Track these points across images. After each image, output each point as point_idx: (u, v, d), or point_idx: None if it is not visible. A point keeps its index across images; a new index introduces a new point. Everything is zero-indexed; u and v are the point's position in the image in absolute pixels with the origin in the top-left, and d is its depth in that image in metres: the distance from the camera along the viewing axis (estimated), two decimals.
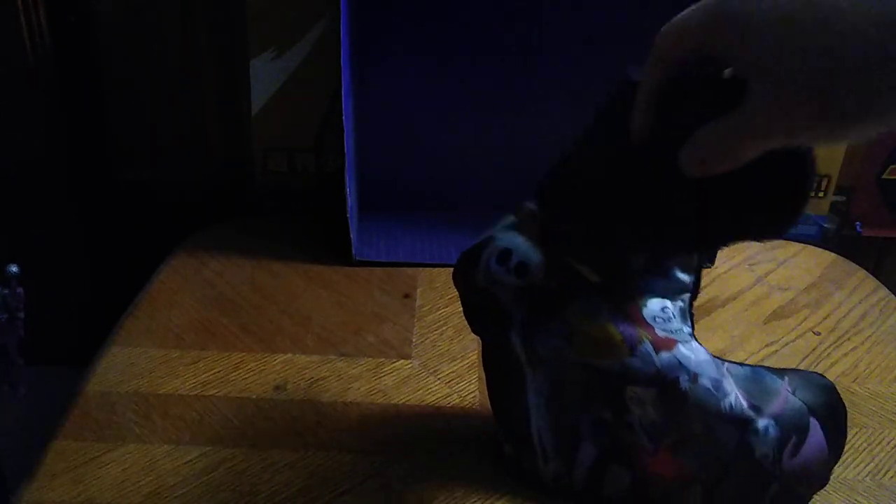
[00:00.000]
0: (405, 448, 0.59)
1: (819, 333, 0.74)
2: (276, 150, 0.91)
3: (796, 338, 0.73)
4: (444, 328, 0.73)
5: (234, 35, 0.86)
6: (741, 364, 0.52)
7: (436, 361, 0.68)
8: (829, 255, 0.87)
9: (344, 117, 0.73)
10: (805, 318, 0.76)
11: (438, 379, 0.66)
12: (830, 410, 0.52)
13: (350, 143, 0.76)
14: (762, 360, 0.70)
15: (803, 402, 0.50)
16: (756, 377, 0.51)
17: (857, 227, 0.94)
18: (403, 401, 0.64)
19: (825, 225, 0.94)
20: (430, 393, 0.65)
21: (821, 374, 0.54)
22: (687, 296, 0.52)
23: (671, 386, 0.48)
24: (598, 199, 0.47)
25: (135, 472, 0.56)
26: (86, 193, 0.92)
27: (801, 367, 0.69)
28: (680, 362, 0.49)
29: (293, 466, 0.57)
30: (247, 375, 0.66)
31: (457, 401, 0.64)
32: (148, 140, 0.92)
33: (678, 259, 0.51)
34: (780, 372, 0.52)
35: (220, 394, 0.64)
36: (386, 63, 0.86)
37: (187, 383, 0.65)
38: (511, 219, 0.53)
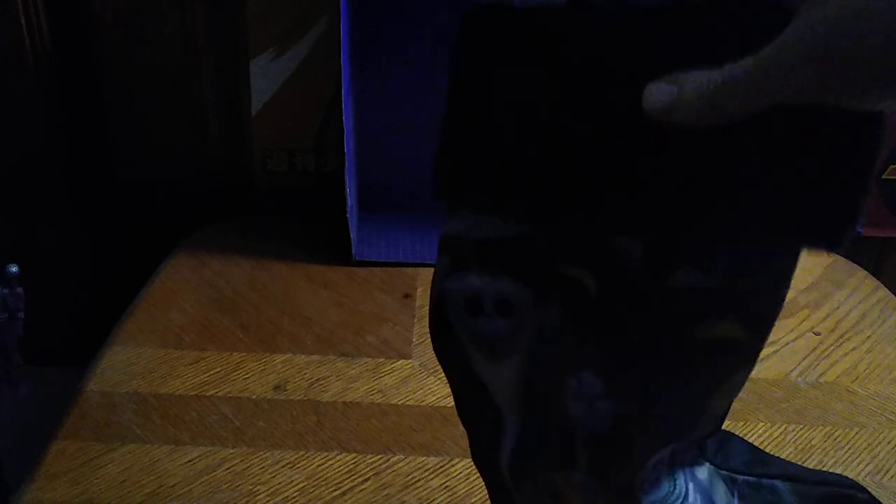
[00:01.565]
0: (405, 448, 0.59)
1: (819, 333, 0.74)
2: (276, 150, 0.91)
3: (796, 338, 0.73)
4: None
5: (234, 35, 0.86)
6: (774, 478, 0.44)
7: (436, 361, 0.68)
8: (829, 255, 0.87)
9: (344, 117, 0.73)
10: (805, 318, 0.76)
11: (438, 379, 0.66)
12: None
13: (350, 143, 0.76)
14: (762, 360, 0.70)
15: None
16: None
17: (857, 227, 0.94)
18: (403, 401, 0.64)
19: None
20: (430, 393, 0.65)
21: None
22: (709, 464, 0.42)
23: None
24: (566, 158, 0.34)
25: (135, 472, 0.56)
26: (86, 193, 0.92)
27: (801, 367, 0.69)
28: None
29: (293, 466, 0.57)
30: (247, 375, 0.66)
31: None
32: (148, 140, 0.92)
33: (700, 430, 0.40)
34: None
35: (220, 394, 0.64)
36: (386, 63, 0.86)
37: (187, 383, 0.65)
38: (443, 263, 0.39)
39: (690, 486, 0.42)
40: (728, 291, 0.35)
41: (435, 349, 0.41)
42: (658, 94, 0.30)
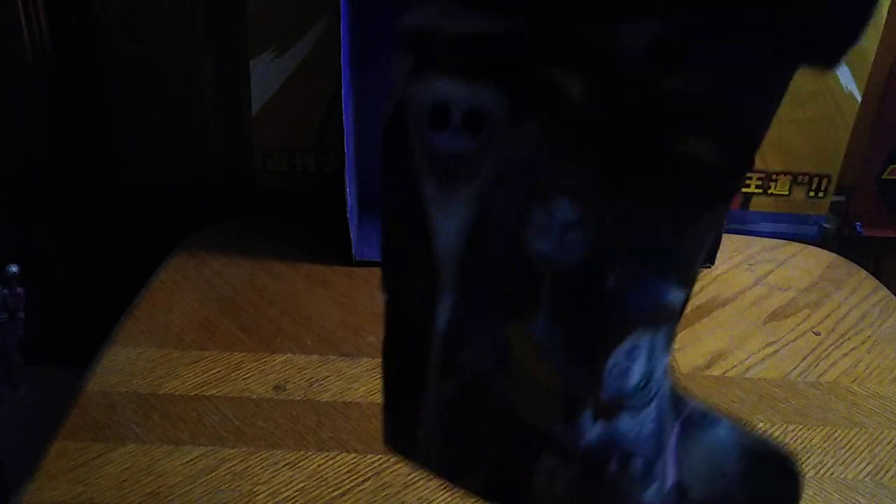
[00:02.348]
0: None
1: (819, 333, 0.74)
2: (276, 150, 0.91)
3: (796, 338, 0.73)
4: None
5: (234, 35, 0.86)
6: (720, 423, 0.41)
7: None
8: (829, 255, 0.87)
9: (344, 117, 0.73)
10: (805, 318, 0.76)
11: None
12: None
13: (350, 143, 0.76)
14: (762, 360, 0.70)
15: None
16: (715, 448, 0.40)
17: (857, 228, 0.94)
18: None
19: (825, 225, 0.94)
20: None
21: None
22: (673, 323, 0.39)
23: (596, 468, 0.37)
24: None
25: (135, 472, 0.56)
26: (86, 193, 0.92)
27: (801, 367, 0.69)
28: (615, 440, 0.37)
29: (293, 466, 0.57)
30: (247, 375, 0.66)
31: None
32: (148, 140, 0.92)
33: (676, 267, 0.36)
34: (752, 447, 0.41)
35: (220, 394, 0.64)
36: (386, 63, 0.86)
37: (187, 383, 0.65)
38: (404, 64, 0.34)
39: (654, 403, 0.39)
40: (712, 100, 0.31)
41: (382, 178, 0.36)
42: None
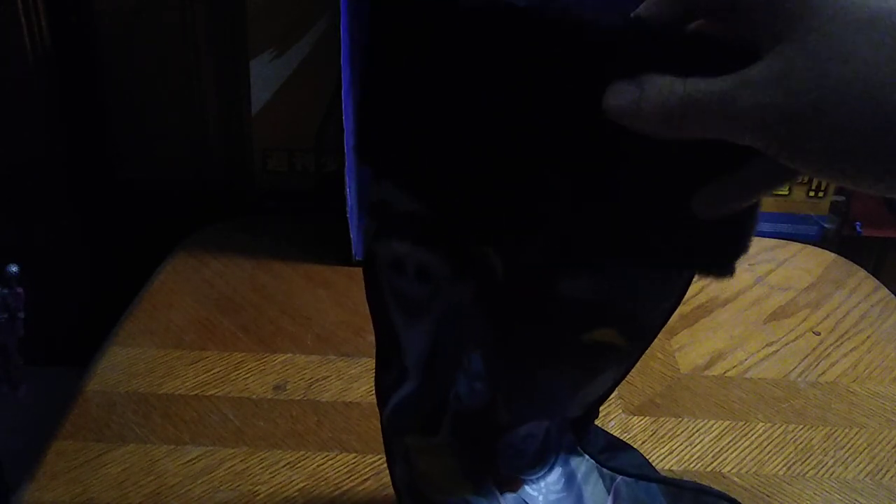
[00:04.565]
0: None
1: (819, 333, 0.74)
2: (276, 150, 0.91)
3: (796, 338, 0.73)
4: None
5: (234, 35, 0.86)
6: (640, 479, 0.46)
7: None
8: (829, 255, 0.87)
9: (344, 117, 0.73)
10: (805, 318, 0.76)
11: None
12: None
13: (350, 143, 0.76)
14: (762, 360, 0.70)
15: None
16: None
17: (857, 227, 0.94)
18: None
19: (825, 225, 0.94)
20: None
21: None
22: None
23: None
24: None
25: (135, 472, 0.56)
26: (86, 193, 0.92)
27: (801, 366, 0.69)
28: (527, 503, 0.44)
29: (293, 466, 0.57)
30: (247, 375, 0.66)
31: None
32: (148, 140, 0.92)
33: (571, 411, 0.42)
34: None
35: (220, 394, 0.64)
36: None
37: (187, 383, 0.65)
38: (370, 226, 0.40)
39: (558, 470, 0.45)
40: (615, 305, 0.37)
41: (367, 298, 0.42)
42: (620, 95, 0.30)
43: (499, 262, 0.37)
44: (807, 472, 0.58)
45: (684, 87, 0.28)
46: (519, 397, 0.41)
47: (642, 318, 0.38)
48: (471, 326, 0.39)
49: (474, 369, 0.40)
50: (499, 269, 0.37)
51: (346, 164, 0.76)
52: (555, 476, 0.44)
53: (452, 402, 0.41)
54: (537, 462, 0.45)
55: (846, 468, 0.58)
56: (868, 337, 0.74)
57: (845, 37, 0.26)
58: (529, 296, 0.37)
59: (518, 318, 0.38)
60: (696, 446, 0.60)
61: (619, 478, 0.46)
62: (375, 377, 0.44)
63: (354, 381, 0.66)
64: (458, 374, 0.41)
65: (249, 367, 0.67)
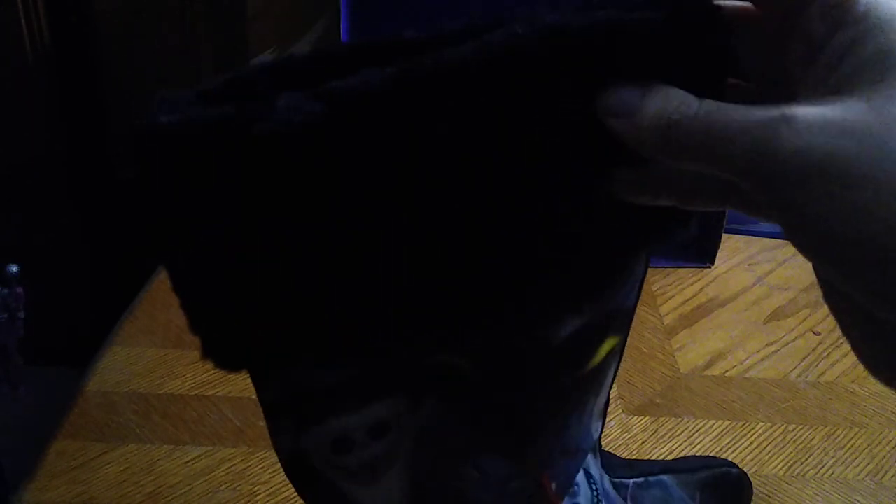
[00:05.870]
0: None
1: (819, 333, 0.74)
2: None
3: (796, 338, 0.73)
4: None
5: (234, 35, 0.86)
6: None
7: None
8: None
9: None
10: (805, 318, 0.76)
11: None
12: None
13: None
14: (762, 360, 0.70)
15: None
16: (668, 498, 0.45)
17: None
18: None
19: None
20: None
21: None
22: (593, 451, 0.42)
23: None
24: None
25: (135, 472, 0.56)
26: (86, 193, 0.92)
27: (801, 367, 0.69)
28: None
29: None
30: (247, 375, 0.66)
31: None
32: None
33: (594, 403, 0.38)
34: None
35: (220, 394, 0.64)
36: None
37: (187, 383, 0.65)
38: (284, 425, 0.36)
39: (591, 486, 0.43)
40: (606, 315, 0.35)
41: (303, 498, 0.38)
42: (618, 102, 0.25)
43: (466, 363, 0.32)
44: (807, 472, 0.58)
45: (697, 105, 0.24)
46: (559, 458, 0.37)
47: (625, 307, 0.36)
48: (456, 439, 0.34)
49: (497, 474, 0.35)
50: (467, 369, 0.32)
51: None
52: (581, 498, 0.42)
53: None
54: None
55: (846, 468, 0.58)
56: None
57: None
58: (519, 369, 0.33)
59: (517, 393, 0.34)
60: (696, 446, 0.60)
61: (630, 482, 0.45)
62: None
63: None
64: (468, 489, 0.35)
65: None
